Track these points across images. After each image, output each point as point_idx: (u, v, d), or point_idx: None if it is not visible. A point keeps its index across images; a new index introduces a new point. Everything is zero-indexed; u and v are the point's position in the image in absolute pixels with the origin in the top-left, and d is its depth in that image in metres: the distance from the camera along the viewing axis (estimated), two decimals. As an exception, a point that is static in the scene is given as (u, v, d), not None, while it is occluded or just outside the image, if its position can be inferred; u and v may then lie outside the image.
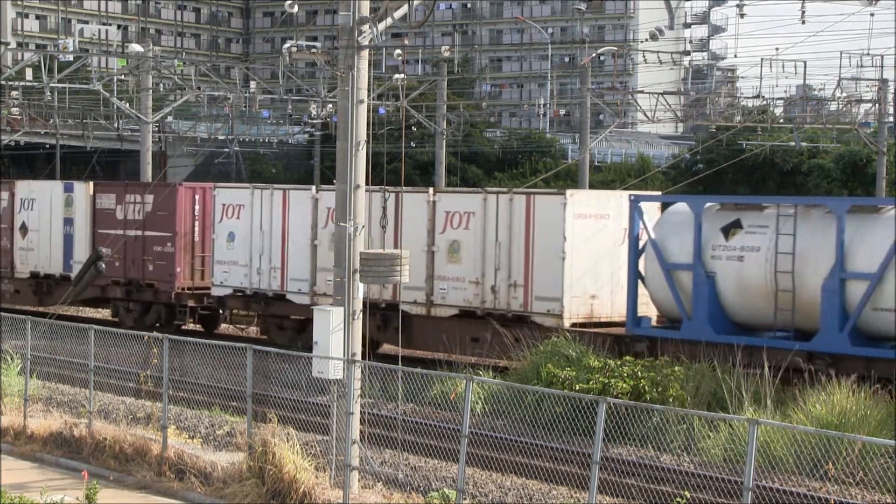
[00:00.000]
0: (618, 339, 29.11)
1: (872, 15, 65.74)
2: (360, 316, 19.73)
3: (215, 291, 37.22)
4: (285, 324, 35.92)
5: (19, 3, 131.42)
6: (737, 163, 70.37)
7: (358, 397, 19.30)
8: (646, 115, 56.43)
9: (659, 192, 34.50)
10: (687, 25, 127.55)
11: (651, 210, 29.91)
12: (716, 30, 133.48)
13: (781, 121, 65.97)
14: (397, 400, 23.40)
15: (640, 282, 29.23)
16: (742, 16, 53.19)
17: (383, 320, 33.01)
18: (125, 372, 28.58)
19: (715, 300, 27.72)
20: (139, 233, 39.76)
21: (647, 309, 29.32)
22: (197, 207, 39.14)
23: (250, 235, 36.23)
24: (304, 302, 34.55)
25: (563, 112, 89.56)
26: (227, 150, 79.59)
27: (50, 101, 62.00)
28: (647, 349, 28.23)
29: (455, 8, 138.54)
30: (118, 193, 41.09)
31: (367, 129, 19.60)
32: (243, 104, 66.34)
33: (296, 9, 22.33)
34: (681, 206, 29.19)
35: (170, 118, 71.71)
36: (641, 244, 29.24)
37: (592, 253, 30.54)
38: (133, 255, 39.93)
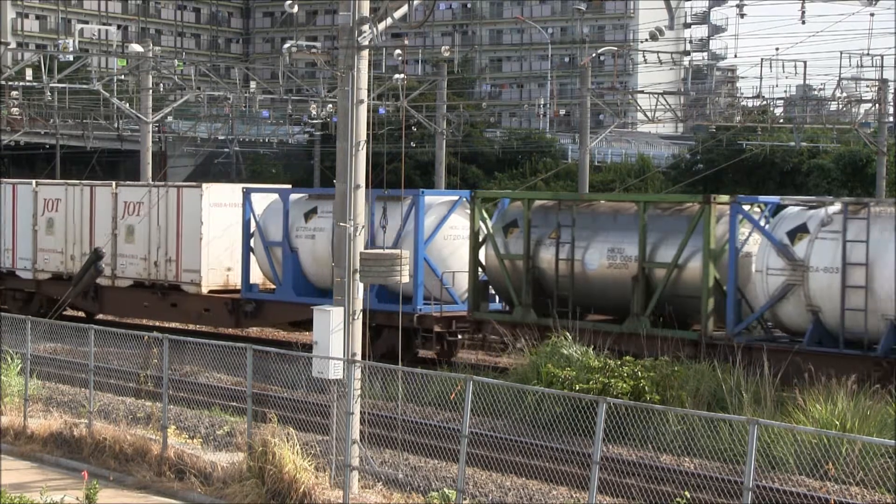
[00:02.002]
0: (235, 301, 37.40)
1: (872, 15, 65.79)
2: (360, 316, 19.74)
3: None
4: (17, 295, 43.84)
5: (19, 3, 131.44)
6: (737, 163, 70.42)
7: (358, 397, 19.30)
8: (646, 115, 56.43)
9: (274, 185, 44.34)
10: (687, 25, 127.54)
11: (265, 200, 37.19)
12: (716, 30, 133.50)
13: (781, 121, 66.00)
14: (397, 400, 23.40)
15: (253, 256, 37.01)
16: (742, 16, 53.15)
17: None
18: (125, 372, 28.59)
19: (298, 269, 35.57)
20: None
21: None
22: None
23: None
24: (28, 277, 43.20)
25: (563, 112, 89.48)
26: (226, 150, 79.60)
27: (50, 101, 61.97)
28: (254, 309, 36.64)
29: (455, 8, 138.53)
30: None
31: (367, 129, 19.61)
32: (243, 104, 66.32)
33: (296, 9, 22.36)
34: (292, 197, 36.52)
35: (170, 118, 71.71)
36: (253, 227, 36.80)
37: (228, 234, 38.01)
38: None
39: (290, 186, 40.27)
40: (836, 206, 26.89)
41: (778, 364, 25.38)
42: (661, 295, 28.82)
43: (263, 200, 37.11)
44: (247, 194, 37.11)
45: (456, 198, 34.11)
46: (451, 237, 33.58)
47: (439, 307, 32.47)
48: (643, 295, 28.96)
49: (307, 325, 34.65)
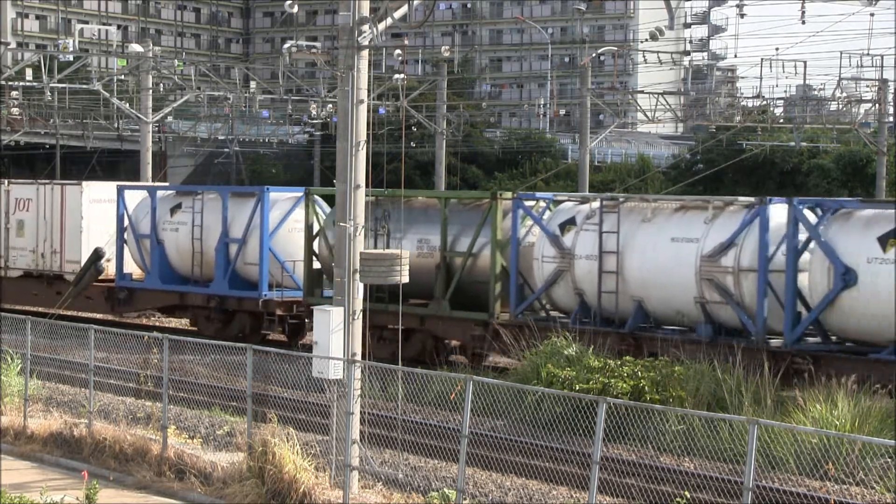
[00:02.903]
0: (110, 289, 40.66)
1: (872, 15, 65.82)
2: (360, 316, 19.74)
3: None
4: None
5: (19, 3, 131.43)
6: (737, 163, 70.38)
7: (358, 397, 19.30)
8: (646, 115, 56.45)
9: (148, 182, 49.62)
10: (687, 25, 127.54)
11: (138, 196, 40.95)
12: (716, 30, 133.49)
13: (781, 121, 65.99)
14: (397, 400, 23.40)
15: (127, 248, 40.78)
16: (742, 16, 53.21)
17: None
18: (125, 372, 28.60)
19: (165, 259, 39.37)
20: None
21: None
22: None
23: None
24: None
25: (563, 112, 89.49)
26: (226, 150, 79.63)
27: (50, 101, 61.98)
28: (127, 296, 40.20)
29: (455, 8, 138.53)
30: None
31: (367, 129, 19.61)
32: (243, 104, 66.35)
33: (296, 9, 22.37)
34: (159, 193, 40.50)
35: (170, 118, 71.70)
36: (126, 221, 40.39)
37: (107, 228, 41.17)
38: None
39: (166, 184, 45.96)
40: (598, 202, 30.22)
41: (548, 339, 28.39)
42: (459, 280, 32.36)
43: (137, 197, 41.11)
44: (120, 191, 40.91)
45: (299, 194, 37.34)
46: (294, 230, 36.98)
47: (280, 293, 36.45)
48: (444, 280, 32.54)
49: (173, 310, 40.55)
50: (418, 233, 33.41)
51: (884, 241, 25.69)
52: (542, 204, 32.25)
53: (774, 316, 27.07)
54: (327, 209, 35.90)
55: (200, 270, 38.48)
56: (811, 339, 26.99)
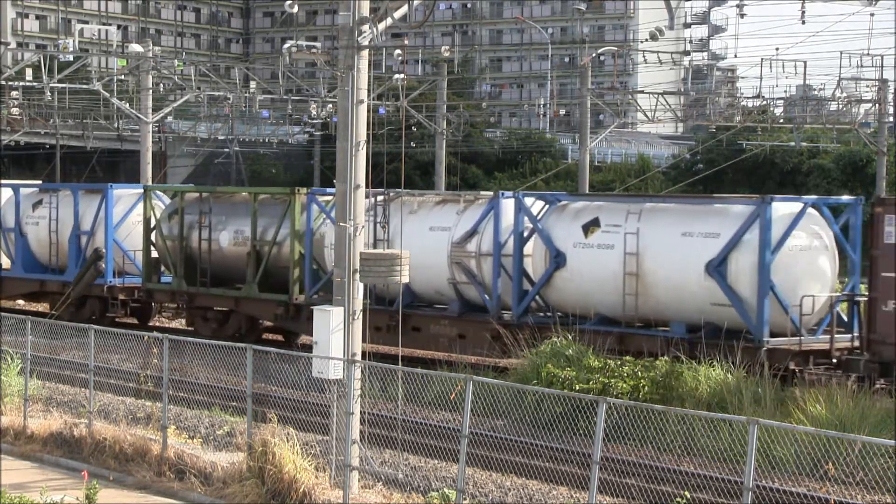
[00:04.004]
0: None
1: (872, 15, 65.84)
2: (360, 316, 19.73)
3: None
4: None
5: (19, 3, 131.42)
6: (737, 163, 70.41)
7: (358, 397, 19.30)
8: (646, 115, 56.42)
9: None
10: (687, 25, 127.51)
11: (7, 193, 44.85)
12: (716, 30, 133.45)
13: (781, 121, 65.95)
14: (397, 400, 23.40)
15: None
16: (742, 16, 53.26)
17: None
18: (125, 372, 28.59)
19: (28, 250, 43.92)
20: None
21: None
22: None
23: None
24: None
25: (563, 112, 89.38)
26: (226, 150, 79.60)
27: (50, 101, 61.96)
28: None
29: (455, 8, 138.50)
30: None
31: (367, 129, 19.61)
32: (243, 104, 66.29)
33: (296, 9, 22.35)
34: (23, 190, 44.97)
35: (170, 118, 71.68)
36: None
37: None
38: None
39: (34, 182, 49.90)
40: (381, 197, 33.51)
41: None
42: (266, 266, 36.75)
43: (7, 194, 44.93)
44: None
45: (141, 190, 41.79)
46: (137, 223, 41.39)
47: (122, 280, 41.23)
48: (254, 266, 36.92)
49: (36, 296, 44.94)
50: (235, 225, 38.14)
51: (586, 228, 30.50)
52: (329, 198, 35.89)
53: (509, 294, 31.86)
54: (167, 202, 41.03)
55: (57, 260, 43.23)
56: (541, 314, 31.65)
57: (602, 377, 25.17)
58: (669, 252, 28.97)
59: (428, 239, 32.88)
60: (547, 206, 32.01)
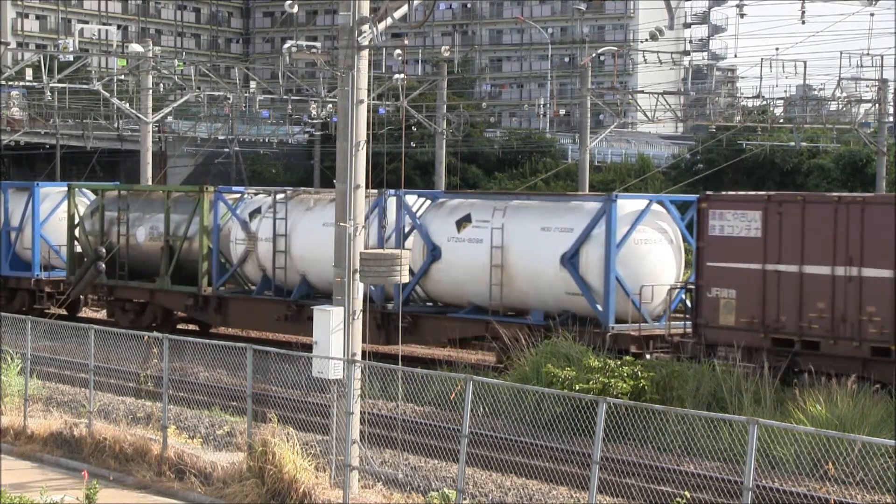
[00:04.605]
0: None
1: (872, 15, 65.81)
2: (360, 316, 19.73)
3: None
4: None
5: (19, 3, 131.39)
6: (737, 163, 70.34)
7: (358, 397, 19.29)
8: (646, 115, 56.39)
9: None
10: (687, 25, 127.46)
11: None
12: (716, 30, 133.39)
13: (781, 121, 65.92)
14: (397, 400, 23.41)
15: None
16: (742, 16, 53.20)
17: None
18: (125, 372, 28.59)
19: None
20: None
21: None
22: None
23: None
24: None
25: (563, 112, 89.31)
26: (226, 150, 79.55)
27: (50, 101, 61.93)
28: None
29: (455, 8, 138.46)
30: None
31: (367, 129, 19.60)
32: (243, 104, 66.22)
33: (296, 9, 22.35)
34: None
35: (170, 118, 71.64)
36: None
37: None
38: None
39: None
40: (281, 195, 37.27)
41: (239, 306, 37.91)
42: (178, 260, 39.23)
43: None
44: None
45: (66, 189, 43.75)
46: (63, 219, 43.43)
47: (49, 273, 43.52)
48: (167, 260, 39.44)
49: None
50: (151, 221, 40.61)
51: (459, 224, 32.88)
52: (237, 196, 39.35)
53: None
54: (92, 198, 43.48)
55: None
56: (424, 304, 34.10)
57: (602, 377, 25.17)
58: (529, 245, 31.37)
59: (321, 234, 34.40)
60: (429, 203, 34.41)
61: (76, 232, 42.76)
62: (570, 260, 30.48)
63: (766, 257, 26.72)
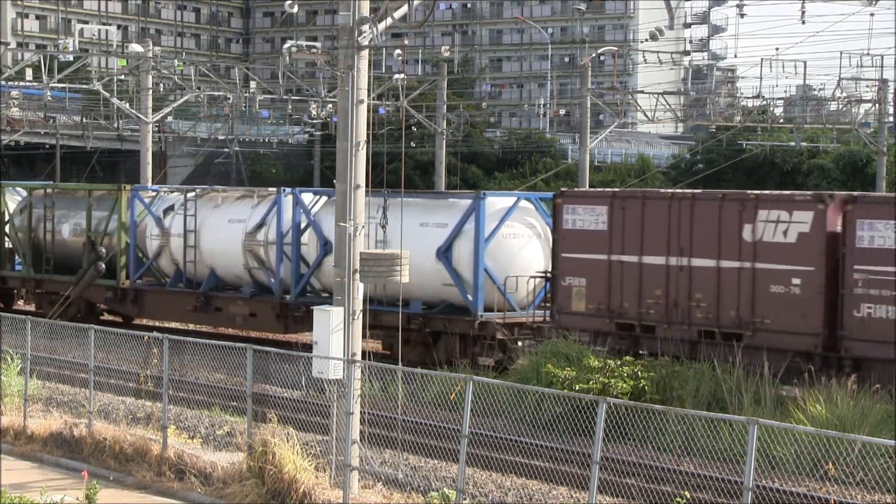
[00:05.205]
0: None
1: (872, 15, 65.81)
2: (360, 316, 19.72)
3: None
4: None
5: (19, 3, 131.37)
6: (737, 163, 70.37)
7: (358, 397, 19.29)
8: (646, 115, 56.38)
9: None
10: (687, 25, 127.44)
11: None
12: (716, 30, 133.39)
13: (781, 121, 65.90)
14: (397, 400, 23.40)
15: None
16: (742, 16, 53.18)
17: None
18: (125, 372, 28.59)
19: None
20: None
21: None
22: None
23: None
24: None
25: (563, 112, 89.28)
26: (226, 150, 79.52)
27: (50, 101, 61.89)
28: None
29: (455, 8, 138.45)
30: None
31: (367, 129, 19.60)
32: (243, 104, 66.19)
33: (296, 9, 22.34)
34: None
35: (170, 118, 71.62)
36: None
37: None
38: None
39: None
40: (192, 194, 39.46)
41: (153, 298, 40.34)
42: (98, 252, 41.17)
43: None
44: None
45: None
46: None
47: None
48: (89, 255, 41.45)
49: None
50: (76, 217, 43.03)
51: None
52: (153, 194, 41.93)
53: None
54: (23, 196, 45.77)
55: None
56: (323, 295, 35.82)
57: (602, 377, 25.17)
58: (410, 240, 32.40)
59: (227, 230, 37.55)
60: (325, 200, 36.47)
61: (6, 228, 45.45)
62: (445, 253, 32.63)
63: (611, 249, 28.99)
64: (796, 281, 26.03)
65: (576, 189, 31.57)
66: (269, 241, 36.79)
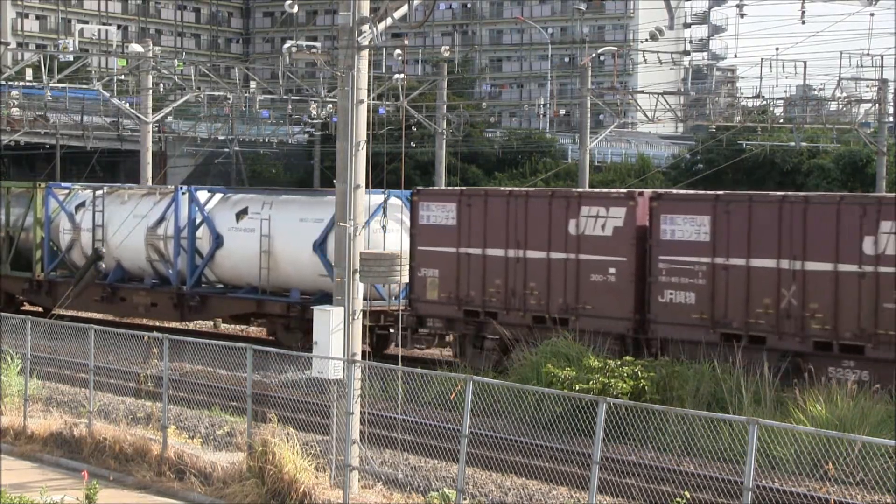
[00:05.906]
0: None
1: (872, 15, 65.77)
2: (361, 316, 19.72)
3: None
4: None
5: (19, 3, 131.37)
6: (737, 163, 70.36)
7: (358, 397, 19.28)
8: (646, 115, 56.38)
9: None
10: (687, 25, 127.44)
11: None
12: (716, 30, 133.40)
13: (781, 121, 65.90)
14: (397, 400, 23.40)
15: None
16: (742, 16, 53.12)
17: None
18: (125, 372, 28.59)
19: None
20: None
21: None
22: None
23: None
24: None
25: (563, 112, 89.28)
26: (226, 150, 79.51)
27: (50, 101, 61.87)
28: None
29: (455, 8, 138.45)
30: None
31: (367, 129, 19.60)
32: (243, 104, 66.18)
33: (296, 9, 22.34)
34: None
35: (170, 118, 71.60)
36: None
37: None
38: None
39: None
40: (100, 191, 41.70)
41: (65, 289, 41.14)
42: (17, 248, 44.31)
43: None
44: None
45: None
46: None
47: None
48: (7, 248, 44.50)
49: None
50: (9, 215, 45.10)
51: (238, 215, 37.76)
52: (67, 191, 43.89)
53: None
54: None
55: None
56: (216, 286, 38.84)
57: (602, 377, 25.16)
58: (290, 234, 36.15)
59: (131, 225, 39.93)
60: (219, 198, 39.09)
61: None
62: (320, 246, 34.90)
63: (459, 242, 31.27)
64: (612, 270, 28.59)
65: (430, 188, 34.17)
66: (168, 236, 39.40)
